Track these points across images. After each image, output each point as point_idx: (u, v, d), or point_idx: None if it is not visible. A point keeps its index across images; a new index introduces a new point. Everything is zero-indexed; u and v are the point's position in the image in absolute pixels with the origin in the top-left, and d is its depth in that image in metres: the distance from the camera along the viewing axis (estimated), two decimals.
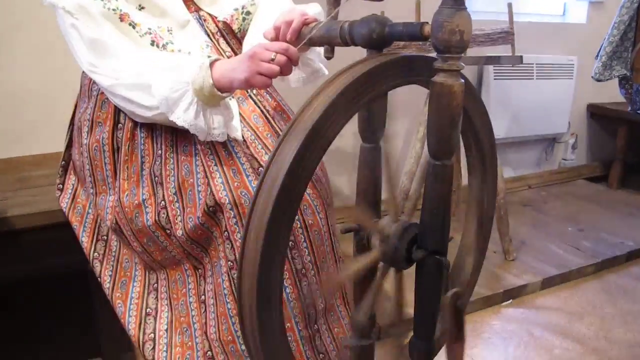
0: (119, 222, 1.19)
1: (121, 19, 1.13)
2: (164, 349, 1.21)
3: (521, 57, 2.01)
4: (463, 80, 0.76)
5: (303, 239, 1.15)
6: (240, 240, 1.03)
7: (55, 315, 1.83)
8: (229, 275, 1.11)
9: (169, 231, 1.14)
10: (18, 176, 1.68)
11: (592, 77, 2.91)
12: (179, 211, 1.13)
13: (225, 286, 1.11)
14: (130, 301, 1.25)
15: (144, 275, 1.26)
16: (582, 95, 3.36)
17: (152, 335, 1.22)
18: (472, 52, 2.13)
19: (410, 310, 0.91)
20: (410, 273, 0.88)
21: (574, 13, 3.35)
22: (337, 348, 1.20)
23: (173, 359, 1.20)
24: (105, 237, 1.29)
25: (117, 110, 1.20)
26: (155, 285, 1.25)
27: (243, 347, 1.11)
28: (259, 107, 1.24)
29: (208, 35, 1.24)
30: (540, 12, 3.28)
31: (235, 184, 1.10)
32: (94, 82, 1.20)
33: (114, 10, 1.12)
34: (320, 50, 1.03)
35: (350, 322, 1.26)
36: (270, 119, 1.24)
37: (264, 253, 0.68)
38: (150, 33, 1.16)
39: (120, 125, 1.20)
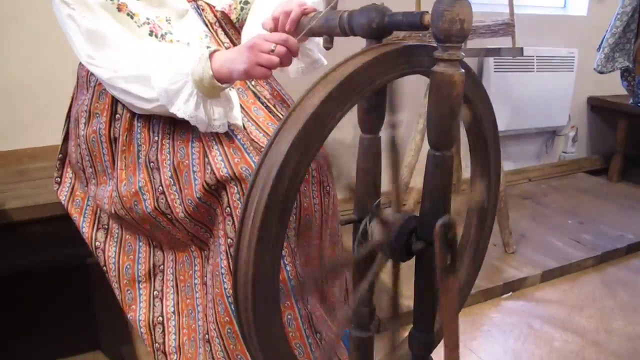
0: (117, 212, 1.18)
1: (119, 9, 1.12)
2: (174, 331, 1.21)
3: (522, 49, 2.00)
4: (463, 70, 0.75)
5: (294, 219, 1.15)
6: None
7: (54, 308, 1.83)
8: (227, 254, 1.10)
9: (169, 216, 1.14)
10: (17, 169, 1.67)
11: (594, 69, 2.90)
12: (177, 194, 1.12)
13: (223, 265, 1.10)
14: (139, 285, 1.25)
15: (148, 256, 1.25)
16: (583, 88, 3.35)
17: (161, 318, 1.22)
18: (473, 44, 2.12)
19: (409, 302, 0.91)
20: (409, 265, 0.88)
21: (574, 5, 3.34)
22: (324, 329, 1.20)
23: (181, 343, 1.20)
24: (106, 226, 1.28)
25: (115, 101, 1.19)
26: (162, 266, 1.25)
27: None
28: (259, 98, 1.24)
29: (206, 25, 1.23)
30: (540, 4, 3.27)
31: (236, 160, 1.09)
32: (92, 74, 1.19)
33: (111, 0, 1.11)
34: (320, 40, 1.02)
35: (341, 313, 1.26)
36: (271, 107, 1.23)
37: (261, 233, 0.67)
38: (148, 23, 1.15)
39: (117, 116, 1.20)
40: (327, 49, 0.99)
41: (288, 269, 1.11)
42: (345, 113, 0.72)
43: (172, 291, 1.23)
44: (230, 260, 1.10)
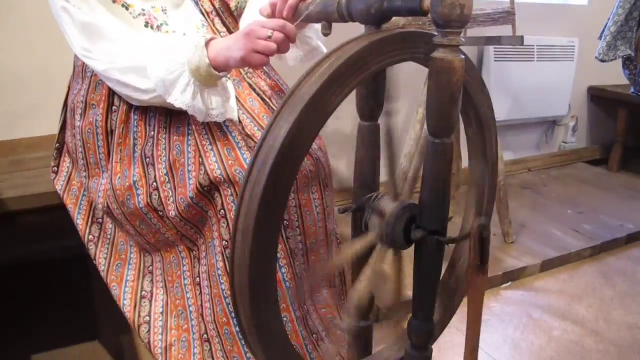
0: (110, 206, 1.17)
1: (114, 0, 1.10)
2: (160, 331, 1.20)
3: (522, 37, 1.97)
4: (463, 56, 0.74)
5: (296, 218, 1.14)
6: None
7: (52, 298, 1.83)
8: (223, 255, 1.09)
9: (161, 212, 1.13)
10: (13, 158, 1.66)
11: (595, 57, 2.88)
12: (170, 192, 1.11)
13: (219, 266, 1.10)
14: (125, 284, 1.24)
15: (139, 258, 1.25)
16: (583, 77, 3.34)
17: (147, 318, 1.22)
18: (472, 32, 2.10)
19: (408, 292, 0.90)
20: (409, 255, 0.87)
21: None
22: (325, 329, 1.20)
23: (168, 342, 1.19)
24: (100, 220, 1.27)
25: (112, 92, 1.18)
26: (150, 268, 1.24)
27: (237, 328, 1.10)
28: (254, 89, 1.22)
29: (203, 15, 1.22)
30: None
31: (230, 162, 1.08)
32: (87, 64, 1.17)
33: None
34: (318, 27, 1.01)
35: (340, 303, 1.26)
36: (266, 99, 1.22)
37: (256, 230, 0.66)
38: (144, 14, 1.13)
39: (114, 107, 1.18)
40: (326, 35, 0.98)
41: (283, 270, 1.10)
42: (342, 100, 0.70)
43: (161, 292, 1.23)
44: (226, 262, 1.09)
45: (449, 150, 0.77)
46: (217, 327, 1.12)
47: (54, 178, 1.36)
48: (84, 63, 1.22)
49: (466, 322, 0.86)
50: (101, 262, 1.25)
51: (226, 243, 1.09)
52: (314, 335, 1.16)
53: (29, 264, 1.82)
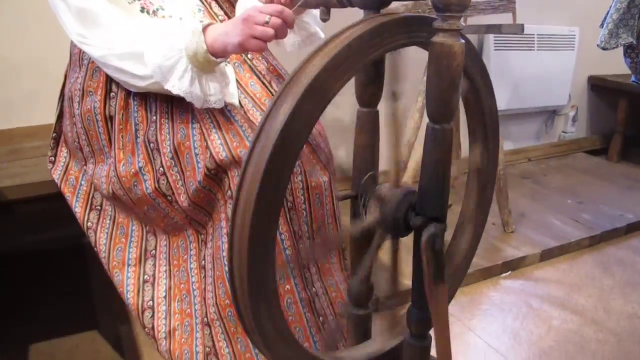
0: (115, 192, 1.17)
1: None
2: (163, 316, 1.20)
3: (522, 25, 1.97)
4: (463, 41, 0.73)
5: (302, 200, 1.13)
6: None
7: (51, 288, 1.83)
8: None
9: (170, 198, 1.12)
10: (11, 148, 1.66)
11: (597, 45, 2.87)
12: (178, 176, 1.11)
13: (224, 248, 1.09)
14: (128, 269, 1.24)
15: (140, 241, 1.24)
16: (583, 67, 3.32)
17: (151, 302, 1.21)
18: (473, 21, 2.09)
19: (407, 281, 0.90)
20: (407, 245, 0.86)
21: None
22: (333, 313, 1.19)
23: (172, 327, 1.19)
24: (99, 207, 1.27)
25: (109, 79, 1.17)
26: (154, 252, 1.24)
27: None
28: (255, 73, 1.21)
29: None
30: None
31: (235, 144, 1.08)
32: (84, 51, 1.16)
33: None
34: (316, 12, 1.00)
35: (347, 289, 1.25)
36: (267, 83, 1.21)
37: (257, 211, 0.66)
38: None
39: (112, 94, 1.18)
40: (324, 20, 0.97)
41: (288, 252, 1.10)
42: (342, 86, 0.70)
43: (164, 276, 1.22)
44: None
45: (449, 136, 0.76)
46: (219, 310, 1.12)
47: (52, 168, 1.35)
48: (80, 51, 1.21)
49: (434, 333, 0.85)
50: (102, 249, 1.25)
51: None
52: (320, 318, 1.16)
53: (27, 253, 1.82)
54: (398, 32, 0.75)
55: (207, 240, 1.16)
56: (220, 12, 1.23)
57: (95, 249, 1.26)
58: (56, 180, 1.33)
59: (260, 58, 1.25)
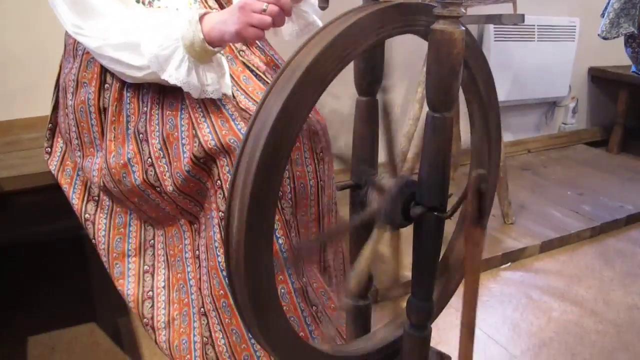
0: (106, 185, 1.16)
1: None
2: (163, 306, 1.20)
3: (523, 15, 1.95)
4: (464, 28, 0.72)
5: (289, 190, 1.13)
6: None
7: (49, 280, 1.82)
8: (220, 227, 1.08)
9: (159, 188, 1.11)
10: (7, 139, 1.65)
11: (598, 34, 2.85)
12: (166, 167, 1.10)
13: (216, 238, 1.08)
14: (128, 260, 1.23)
15: (139, 231, 1.23)
16: (584, 58, 3.31)
17: (151, 293, 1.21)
18: (473, 11, 2.08)
19: (407, 273, 0.89)
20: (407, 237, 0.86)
21: None
22: (320, 303, 1.19)
23: (171, 317, 1.19)
24: (96, 198, 1.26)
25: (104, 70, 1.16)
26: (152, 241, 1.23)
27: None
28: (247, 67, 1.20)
29: None
30: None
31: (224, 132, 1.06)
32: (79, 42, 1.15)
33: None
34: (315, 1, 0.99)
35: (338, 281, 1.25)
36: (261, 74, 1.20)
37: (252, 202, 0.65)
38: None
39: (107, 85, 1.17)
40: (323, 8, 0.95)
41: (280, 242, 1.09)
42: (339, 72, 0.68)
43: (163, 266, 1.22)
44: (222, 234, 1.07)
45: (449, 125, 0.76)
46: (214, 301, 1.11)
47: (48, 159, 1.34)
48: (75, 41, 1.20)
49: (464, 282, 0.85)
50: (101, 240, 1.24)
51: (222, 214, 1.07)
52: (313, 307, 1.15)
53: (25, 245, 1.81)
54: (397, 19, 0.74)
55: (201, 230, 1.15)
56: (215, 5, 1.22)
57: (93, 240, 1.25)
58: (53, 171, 1.32)
59: (256, 50, 1.23)
